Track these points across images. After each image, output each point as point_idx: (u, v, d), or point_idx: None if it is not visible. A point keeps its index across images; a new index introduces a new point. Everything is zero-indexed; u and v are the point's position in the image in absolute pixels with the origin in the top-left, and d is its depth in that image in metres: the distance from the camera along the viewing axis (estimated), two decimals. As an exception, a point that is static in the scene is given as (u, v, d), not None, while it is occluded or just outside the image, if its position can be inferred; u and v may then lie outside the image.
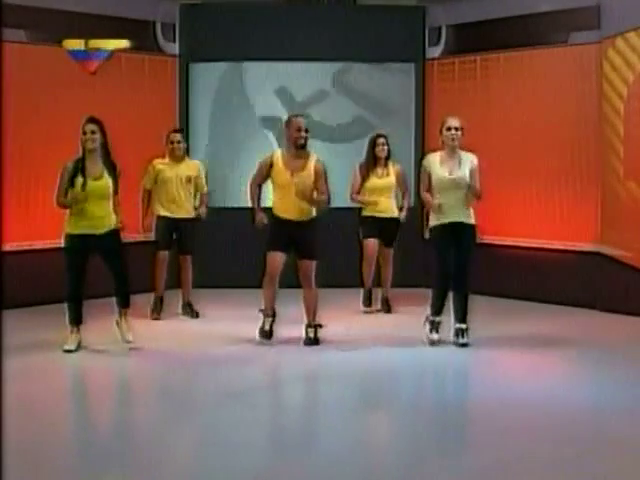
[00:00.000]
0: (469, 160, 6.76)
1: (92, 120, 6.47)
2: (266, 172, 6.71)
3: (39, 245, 8.32)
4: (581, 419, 5.02)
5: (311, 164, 6.66)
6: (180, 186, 7.88)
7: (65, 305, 6.54)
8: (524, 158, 8.95)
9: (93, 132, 6.43)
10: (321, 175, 6.66)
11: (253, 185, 6.81)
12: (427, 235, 6.96)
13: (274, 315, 6.83)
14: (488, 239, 8.64)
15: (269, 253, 6.70)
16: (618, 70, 8.11)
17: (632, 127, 7.91)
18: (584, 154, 8.54)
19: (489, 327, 7.35)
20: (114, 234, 6.55)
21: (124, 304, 6.66)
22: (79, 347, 6.50)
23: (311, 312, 6.79)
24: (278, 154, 6.75)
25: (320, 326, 6.80)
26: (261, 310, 6.82)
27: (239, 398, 5.43)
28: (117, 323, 6.67)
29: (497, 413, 5.13)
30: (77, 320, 6.53)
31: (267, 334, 6.78)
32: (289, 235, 6.64)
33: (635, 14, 7.78)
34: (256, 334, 6.79)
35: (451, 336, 6.80)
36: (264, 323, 6.81)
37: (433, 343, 6.78)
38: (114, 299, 6.66)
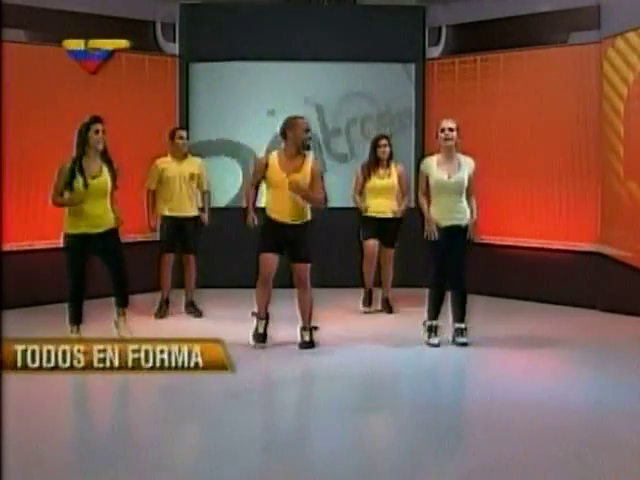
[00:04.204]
0: (468, 164, 6.75)
1: (100, 120, 6.45)
2: (261, 173, 6.67)
3: (39, 245, 8.32)
4: (581, 419, 5.02)
5: (308, 165, 6.64)
6: (183, 184, 7.86)
7: (67, 305, 6.54)
8: (524, 158, 8.94)
9: (104, 132, 6.44)
10: (316, 176, 6.65)
11: (249, 187, 6.84)
12: (432, 235, 6.80)
13: (267, 318, 6.78)
14: (488, 239, 8.64)
15: (261, 255, 6.66)
16: (618, 70, 8.11)
17: (632, 127, 7.91)
18: (584, 154, 8.54)
19: (489, 327, 7.36)
20: (113, 233, 6.56)
21: (123, 303, 6.66)
22: (79, 347, 6.51)
23: (306, 315, 6.73)
24: (274, 155, 6.69)
25: (316, 328, 6.75)
26: (254, 313, 6.78)
27: (239, 398, 5.44)
28: (115, 323, 6.67)
29: (496, 413, 5.13)
30: (77, 319, 6.53)
31: (261, 337, 6.73)
32: (281, 237, 6.60)
33: (635, 14, 7.78)
34: (249, 338, 6.73)
35: (450, 336, 6.81)
36: (257, 326, 6.76)
37: (433, 346, 6.77)
38: (113, 299, 6.66)
